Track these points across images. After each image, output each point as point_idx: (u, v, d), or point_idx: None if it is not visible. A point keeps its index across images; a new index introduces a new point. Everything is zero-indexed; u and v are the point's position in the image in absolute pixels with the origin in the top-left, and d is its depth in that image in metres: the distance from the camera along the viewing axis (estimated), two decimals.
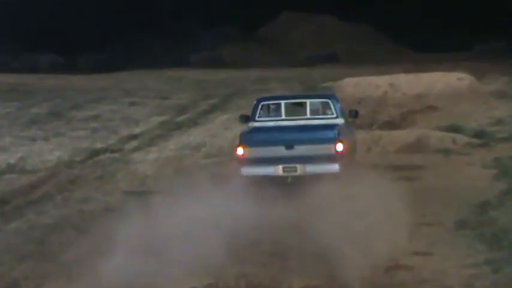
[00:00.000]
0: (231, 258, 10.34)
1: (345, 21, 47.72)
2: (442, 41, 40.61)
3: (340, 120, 13.91)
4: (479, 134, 19.52)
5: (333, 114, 13.94)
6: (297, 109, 14.20)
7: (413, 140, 18.53)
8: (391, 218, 11.04)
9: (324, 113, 14.06)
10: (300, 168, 13.05)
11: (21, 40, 42.79)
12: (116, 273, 10.02)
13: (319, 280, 10.05)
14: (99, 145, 20.13)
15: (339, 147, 12.99)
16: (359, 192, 11.55)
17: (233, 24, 46.00)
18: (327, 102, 14.14)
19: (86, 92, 29.15)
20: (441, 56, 36.37)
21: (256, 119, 14.09)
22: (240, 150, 13.25)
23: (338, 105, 14.09)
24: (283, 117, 14.05)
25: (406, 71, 25.83)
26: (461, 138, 18.90)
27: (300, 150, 13.07)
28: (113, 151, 19.37)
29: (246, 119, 14.34)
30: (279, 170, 13.13)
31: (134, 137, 21.29)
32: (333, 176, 12.63)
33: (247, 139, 13.41)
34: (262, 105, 14.24)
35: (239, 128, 17.14)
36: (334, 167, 12.83)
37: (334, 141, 13.03)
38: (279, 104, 14.22)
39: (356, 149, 15.16)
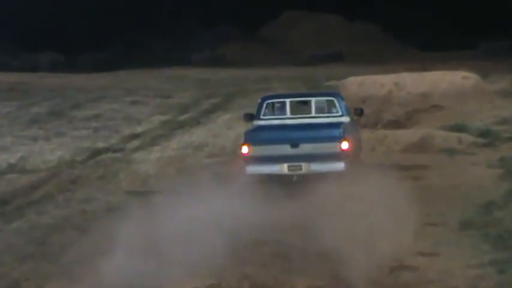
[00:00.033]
0: (234, 259, 10.31)
1: (348, 20, 47.58)
2: (447, 40, 40.47)
3: (345, 119, 13.88)
4: (484, 134, 19.41)
5: (338, 112, 13.91)
6: (302, 107, 14.17)
7: (418, 140, 18.46)
8: (395, 217, 10.98)
9: (329, 111, 14.03)
10: (305, 167, 13.02)
11: (21, 39, 42.76)
12: (118, 273, 9.99)
13: (323, 281, 10.01)
14: (100, 144, 20.08)
15: (345, 145, 12.96)
16: (364, 191, 11.50)
17: (235, 24, 45.94)
18: (332, 101, 14.11)
19: (87, 91, 29.08)
20: (446, 55, 36.26)
21: (261, 117, 14.07)
22: (244, 149, 13.21)
23: (343, 103, 14.06)
24: (288, 115, 14.03)
25: (412, 70, 25.75)
26: (466, 138, 18.81)
27: (305, 148, 13.03)
28: (114, 151, 19.32)
29: (250, 117, 14.32)
30: (284, 168, 13.09)
31: (136, 136, 21.23)
32: (338, 174, 12.57)
33: (252, 137, 13.37)
34: (267, 103, 14.21)
35: (241, 128, 17.12)
36: (340, 166, 12.79)
37: (340, 139, 13.00)
38: (284, 102, 14.19)
39: (361, 147, 15.12)
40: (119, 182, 16.24)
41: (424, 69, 26.47)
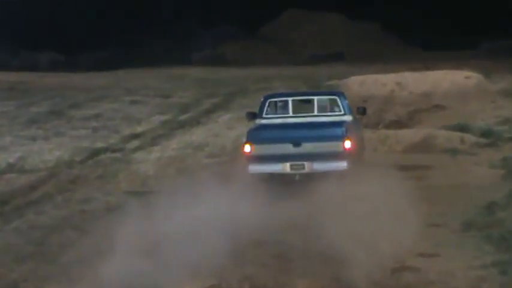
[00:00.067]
0: (234, 259, 10.27)
1: (350, 19, 47.46)
2: (449, 39, 40.34)
3: (348, 117, 13.84)
4: (486, 134, 19.32)
5: (340, 111, 13.89)
6: (304, 106, 14.15)
7: (420, 140, 18.41)
8: (397, 218, 10.95)
9: (332, 110, 14.02)
10: (308, 166, 12.98)
11: (21, 38, 42.69)
12: (117, 274, 9.98)
13: (324, 281, 9.97)
14: (100, 144, 20.01)
15: (347, 144, 12.92)
16: (366, 191, 11.47)
17: (235, 23, 45.85)
18: (334, 99, 14.09)
19: (87, 91, 29.03)
20: (448, 54, 36.18)
21: (264, 116, 14.04)
22: (247, 148, 13.19)
23: (346, 102, 14.03)
24: (291, 114, 14.00)
25: (414, 69, 25.66)
26: (469, 138, 18.74)
27: (307, 147, 13.01)
28: (114, 150, 19.25)
29: (252, 116, 14.27)
30: (286, 167, 13.06)
31: (136, 136, 21.16)
32: (340, 173, 12.52)
33: (254, 136, 13.34)
34: (269, 102, 14.19)
35: (242, 128, 17.08)
36: (342, 165, 12.76)
37: (342, 138, 12.97)
38: (287, 101, 14.16)
39: (364, 146, 15.10)
40: (118, 182, 16.19)
41: (427, 68, 26.39)
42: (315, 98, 14.17)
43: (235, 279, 9.97)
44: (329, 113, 13.91)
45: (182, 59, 39.54)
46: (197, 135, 20.94)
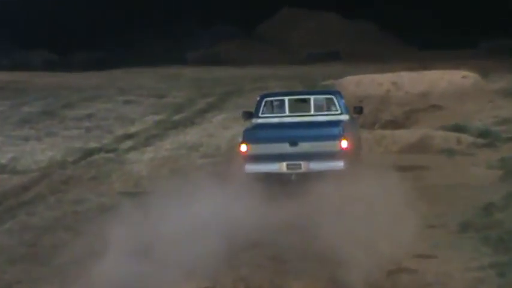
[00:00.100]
0: (229, 261, 10.22)
1: (346, 18, 47.39)
2: (446, 39, 40.31)
3: (344, 117, 13.80)
4: (484, 134, 19.24)
5: (337, 110, 13.86)
6: (300, 105, 14.11)
7: (417, 140, 18.36)
8: (394, 219, 10.89)
9: (328, 109, 13.99)
10: (304, 165, 12.92)
11: (13, 37, 42.57)
12: (111, 276, 9.91)
13: (320, 283, 9.89)
14: (93, 145, 19.92)
15: (344, 144, 12.88)
16: (363, 192, 11.41)
17: (231, 21, 45.80)
18: (331, 98, 14.05)
19: (80, 90, 28.92)
20: (446, 54, 36.14)
21: (260, 115, 14.00)
22: (243, 147, 13.14)
23: (342, 101, 14.00)
24: (287, 113, 13.95)
25: (412, 69, 25.62)
26: (466, 138, 18.68)
27: (304, 147, 12.96)
28: (107, 151, 19.16)
29: (249, 115, 14.23)
30: (283, 167, 13.00)
31: (129, 136, 21.07)
32: (337, 173, 12.46)
33: (250, 136, 13.30)
34: (265, 101, 14.14)
35: (237, 128, 17.00)
36: (339, 164, 12.71)
37: (339, 137, 12.92)
38: (283, 100, 14.12)
39: (361, 146, 15.08)
40: (111, 182, 16.11)
41: (424, 68, 26.34)
42: (312, 97, 14.13)
43: (230, 281, 9.94)
44: (326, 112, 13.87)
45: (178, 58, 39.48)
46: (191, 135, 20.85)
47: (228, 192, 11.64)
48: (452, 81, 23.10)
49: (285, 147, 13.00)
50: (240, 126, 15.24)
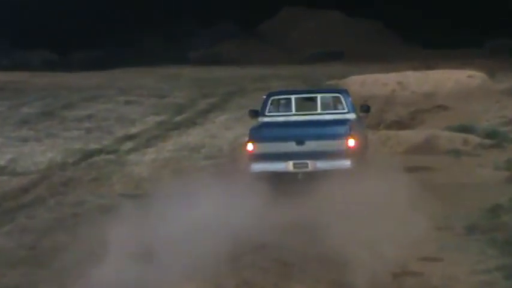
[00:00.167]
0: (232, 263, 10.09)
1: (350, 17, 47.25)
2: (451, 38, 40.22)
3: (351, 115, 13.79)
4: (491, 134, 19.18)
5: (344, 109, 13.83)
6: (307, 104, 14.11)
7: (422, 141, 18.31)
8: (399, 221, 10.84)
9: (335, 108, 14.00)
10: (311, 164, 12.90)
11: (12, 36, 42.54)
12: (111, 279, 9.81)
13: (324, 286, 9.74)
14: (93, 146, 19.84)
15: (351, 142, 12.85)
16: (368, 192, 11.38)
17: (232, 21, 45.75)
18: (338, 97, 14.03)
19: (80, 91, 28.85)
20: (451, 53, 36.05)
21: (266, 113, 13.97)
22: (249, 146, 13.10)
23: (349, 100, 13.97)
24: (294, 112, 13.89)
25: (416, 69, 25.56)
26: (473, 139, 18.61)
27: (310, 145, 12.95)
28: (107, 152, 19.09)
29: (255, 114, 14.15)
30: (289, 166, 12.98)
31: (130, 137, 21.00)
32: (344, 172, 12.35)
33: (256, 135, 13.25)
34: (272, 100, 14.08)
35: (240, 128, 16.92)
36: (346, 163, 12.68)
37: (346, 136, 12.89)
38: (289, 99, 14.12)
39: (368, 145, 15.06)
40: (112, 184, 16.02)
41: (429, 67, 26.30)
42: (318, 95, 14.14)
43: (233, 284, 9.78)
44: (332, 111, 13.84)
45: (179, 58, 39.45)
46: (193, 136, 20.78)
47: (231, 194, 11.55)
48: (459, 81, 23.05)
49: (292, 146, 12.96)
50: (243, 127, 15.18)
